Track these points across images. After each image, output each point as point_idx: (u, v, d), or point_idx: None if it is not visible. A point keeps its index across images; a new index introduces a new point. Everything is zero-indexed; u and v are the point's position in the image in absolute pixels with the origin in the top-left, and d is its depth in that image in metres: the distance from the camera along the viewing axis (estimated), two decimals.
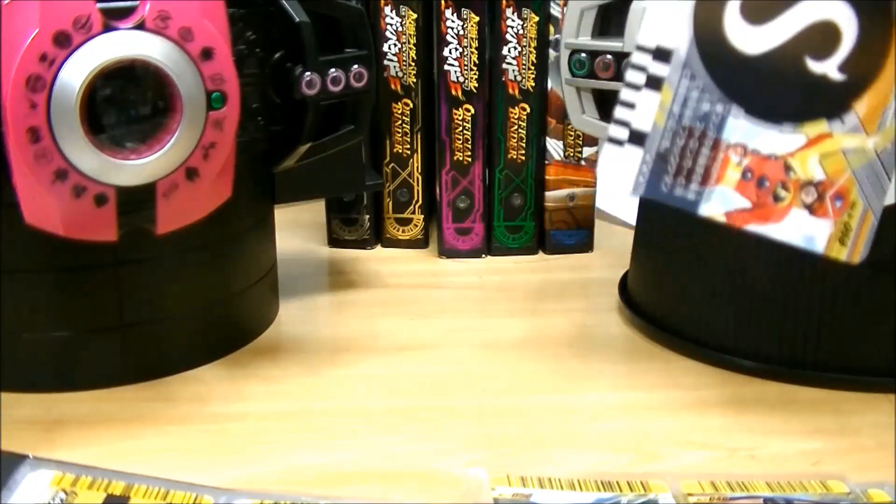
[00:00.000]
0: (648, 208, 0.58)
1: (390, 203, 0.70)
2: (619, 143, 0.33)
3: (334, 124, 0.54)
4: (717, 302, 0.52)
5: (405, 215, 0.70)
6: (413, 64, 0.67)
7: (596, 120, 0.53)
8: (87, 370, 0.50)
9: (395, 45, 0.66)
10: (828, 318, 0.49)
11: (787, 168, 0.33)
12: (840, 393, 0.49)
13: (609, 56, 0.50)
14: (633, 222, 0.60)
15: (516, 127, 0.67)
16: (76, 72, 0.42)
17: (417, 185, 0.69)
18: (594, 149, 0.69)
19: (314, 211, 0.74)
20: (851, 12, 0.31)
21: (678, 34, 0.32)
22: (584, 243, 0.70)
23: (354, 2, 0.55)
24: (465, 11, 0.65)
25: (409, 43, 0.67)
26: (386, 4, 0.66)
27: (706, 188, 0.33)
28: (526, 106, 0.67)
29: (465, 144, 0.67)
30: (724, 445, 0.45)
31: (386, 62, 0.67)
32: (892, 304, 0.48)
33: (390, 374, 0.52)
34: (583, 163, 0.69)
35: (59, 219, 0.44)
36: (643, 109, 0.33)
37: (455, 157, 0.67)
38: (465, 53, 0.66)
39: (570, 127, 0.67)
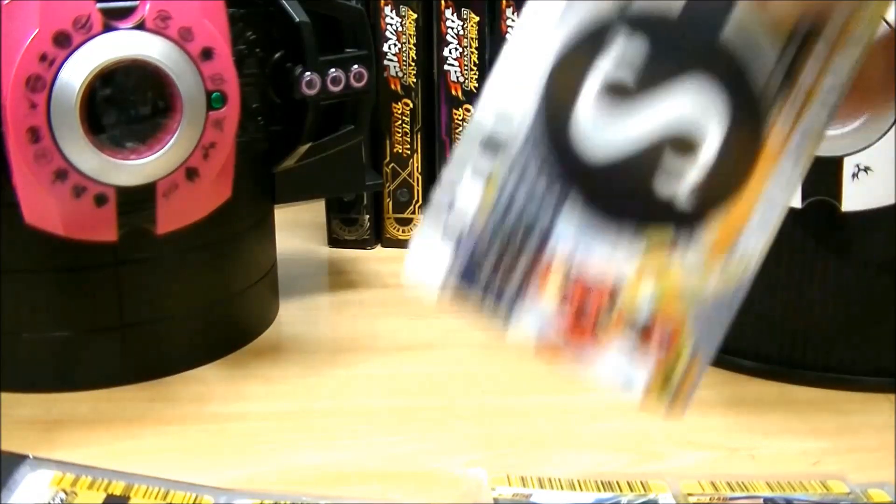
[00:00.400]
0: None
1: (390, 203, 0.70)
2: (430, 239, 0.29)
3: (334, 124, 0.54)
4: None
5: (405, 215, 0.70)
6: (413, 64, 0.67)
7: None
8: (87, 370, 0.49)
9: (395, 45, 0.66)
10: (828, 318, 0.49)
11: (613, 297, 0.28)
12: (840, 393, 0.49)
13: None
14: None
15: None
16: (76, 72, 0.42)
17: (417, 185, 0.69)
18: None
19: (314, 211, 0.74)
20: (716, 126, 0.27)
21: (519, 124, 0.28)
22: None
23: (354, 2, 0.55)
24: (465, 11, 0.65)
25: (409, 43, 0.67)
26: (386, 4, 0.66)
27: (518, 302, 0.28)
28: None
29: None
30: (724, 445, 0.45)
31: (386, 62, 0.67)
32: (892, 304, 0.48)
33: (390, 374, 0.52)
34: None
35: (59, 219, 0.44)
36: (462, 206, 0.28)
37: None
38: (465, 53, 0.66)
39: None
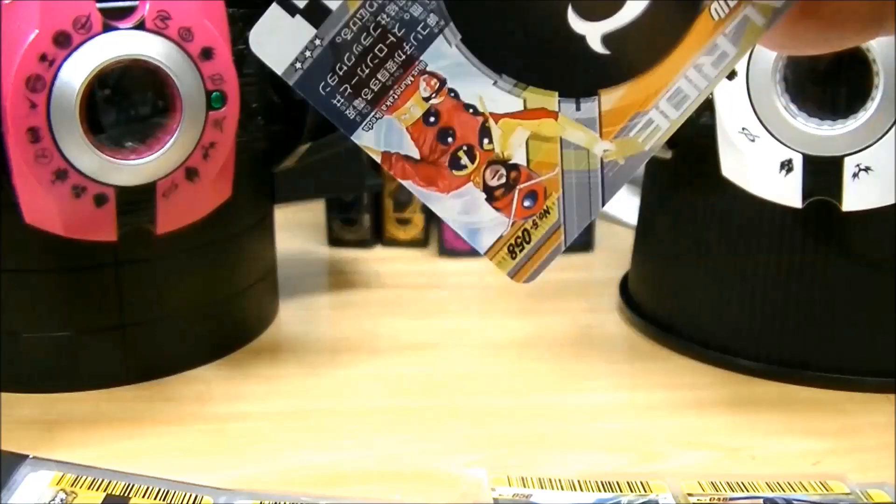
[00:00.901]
0: (649, 208, 0.58)
1: (390, 203, 0.70)
2: (291, 8, 0.24)
3: (334, 124, 0.54)
4: (717, 302, 0.52)
5: (405, 215, 0.70)
6: None
7: None
8: (87, 370, 0.49)
9: None
10: (828, 318, 0.49)
11: (484, 131, 0.25)
12: (840, 393, 0.49)
13: None
14: (634, 222, 0.60)
15: None
16: (76, 72, 0.42)
17: None
18: None
19: (314, 211, 0.74)
20: None
21: None
22: (584, 243, 0.70)
23: None
24: None
25: None
26: None
27: (373, 112, 0.25)
28: None
29: None
30: (724, 445, 0.45)
31: None
32: (892, 304, 0.48)
33: (390, 374, 0.52)
34: None
35: (59, 219, 0.44)
36: None
37: None
38: None
39: None
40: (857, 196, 0.44)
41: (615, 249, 0.68)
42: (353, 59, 0.25)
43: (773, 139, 0.45)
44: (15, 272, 0.48)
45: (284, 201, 0.57)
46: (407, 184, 0.25)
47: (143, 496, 0.39)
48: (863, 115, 0.44)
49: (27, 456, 0.40)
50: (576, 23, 0.24)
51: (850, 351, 0.49)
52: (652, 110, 0.24)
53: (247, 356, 0.54)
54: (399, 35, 0.24)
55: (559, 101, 0.24)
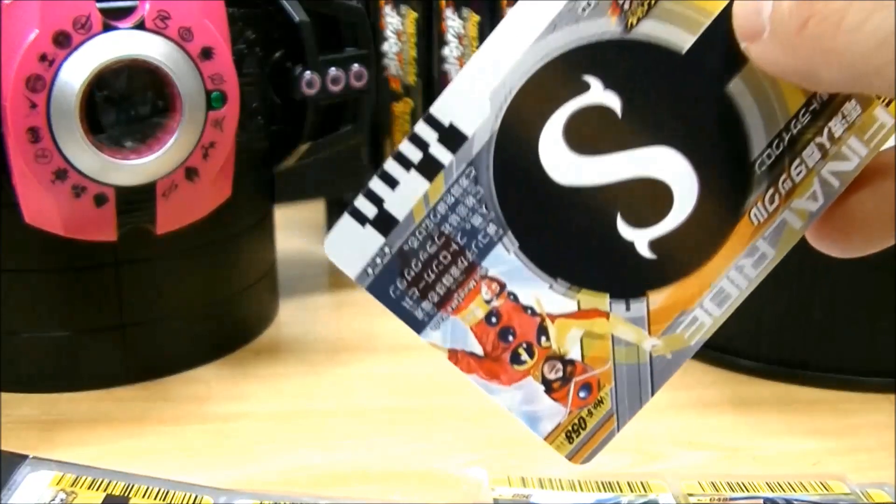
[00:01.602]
0: None
1: None
2: (361, 219, 0.27)
3: (334, 124, 0.54)
4: None
5: None
6: (413, 64, 0.67)
7: None
8: (87, 370, 0.49)
9: (396, 44, 0.66)
10: (828, 318, 0.49)
11: (542, 330, 0.27)
12: (840, 393, 0.49)
13: None
14: None
15: None
16: (76, 72, 0.42)
17: None
18: None
19: (314, 211, 0.74)
20: (696, 187, 0.25)
21: (481, 120, 0.25)
22: None
23: (354, 1, 0.55)
24: (465, 11, 0.65)
25: (409, 42, 0.66)
26: (386, 3, 0.66)
27: (440, 313, 0.27)
28: None
29: None
30: (724, 445, 0.45)
31: (386, 62, 0.67)
32: (892, 304, 0.48)
33: (390, 374, 0.52)
34: None
35: (59, 219, 0.44)
36: (404, 193, 0.26)
37: None
38: (466, 53, 0.66)
39: None
40: None
41: None
42: (420, 265, 0.27)
43: None
44: (15, 272, 0.48)
45: (284, 201, 0.57)
46: (472, 378, 0.28)
47: (143, 496, 0.39)
48: None
49: (27, 456, 0.40)
50: (624, 230, 0.25)
51: (850, 351, 0.49)
52: (696, 309, 0.27)
53: (247, 356, 0.54)
54: (461, 243, 0.26)
55: (610, 303, 0.26)
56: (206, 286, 0.52)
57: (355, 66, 0.53)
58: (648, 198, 0.25)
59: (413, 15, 0.66)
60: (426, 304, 0.28)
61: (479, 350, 0.27)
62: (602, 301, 0.26)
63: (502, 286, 0.26)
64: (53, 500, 0.38)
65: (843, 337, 0.49)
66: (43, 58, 0.42)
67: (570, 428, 0.27)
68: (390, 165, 0.26)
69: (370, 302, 0.64)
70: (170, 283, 0.51)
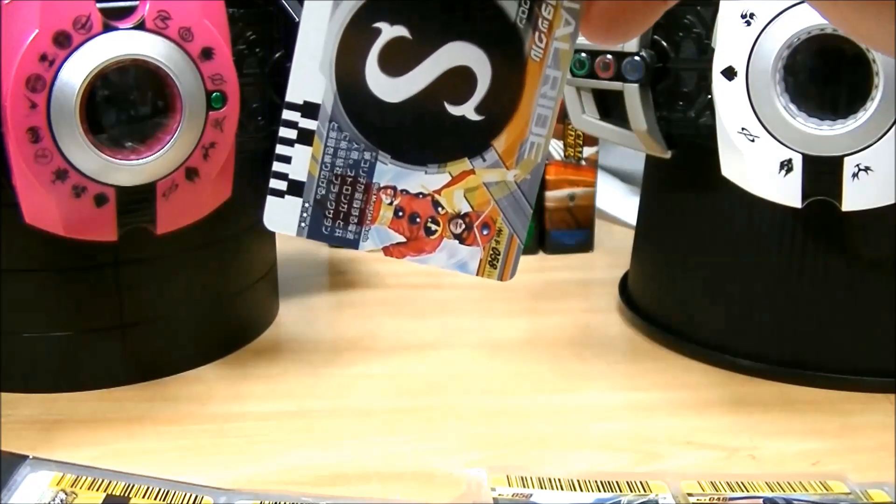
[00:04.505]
0: (649, 208, 0.58)
1: None
2: (279, 194, 0.36)
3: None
4: (717, 302, 0.52)
5: None
6: None
7: (596, 120, 0.53)
8: (87, 370, 0.50)
9: None
10: (828, 318, 0.49)
11: (436, 204, 0.35)
12: (840, 393, 0.49)
13: (609, 56, 0.50)
14: (633, 222, 0.60)
15: None
16: (76, 72, 0.42)
17: None
18: (594, 149, 0.69)
19: None
20: (485, 57, 0.34)
21: (323, 89, 0.35)
22: (584, 243, 0.70)
23: None
24: None
25: None
26: None
27: (363, 227, 0.35)
28: None
29: None
30: (724, 445, 0.45)
31: None
32: (892, 304, 0.48)
33: (390, 374, 0.52)
34: (583, 163, 0.69)
35: (59, 219, 0.44)
36: (298, 162, 0.35)
37: None
38: None
39: (570, 127, 0.67)
40: (856, 196, 0.44)
41: (615, 249, 0.69)
42: (334, 203, 0.35)
43: (772, 139, 0.45)
44: (15, 272, 0.48)
45: None
46: (407, 259, 0.35)
47: (143, 496, 0.39)
48: (862, 115, 0.44)
49: (27, 456, 0.40)
50: (453, 110, 0.34)
51: (850, 351, 0.49)
52: (529, 136, 0.35)
53: (247, 356, 0.54)
54: (353, 175, 0.35)
55: (470, 162, 0.34)
56: (207, 286, 0.53)
57: None
58: (459, 80, 0.34)
59: None
60: (351, 227, 0.35)
61: (401, 238, 0.35)
62: (465, 164, 0.34)
63: (394, 188, 0.35)
64: (53, 500, 0.38)
65: (843, 337, 0.49)
66: (43, 58, 0.42)
67: (489, 259, 0.35)
68: (280, 149, 0.35)
69: (370, 302, 0.64)
70: (170, 283, 0.51)
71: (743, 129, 0.46)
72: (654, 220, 0.57)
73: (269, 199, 0.35)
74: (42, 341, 0.49)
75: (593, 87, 0.52)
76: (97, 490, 0.39)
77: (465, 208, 0.35)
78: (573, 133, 0.68)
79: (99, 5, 0.42)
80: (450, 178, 0.35)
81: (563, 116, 0.67)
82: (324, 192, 0.35)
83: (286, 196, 0.36)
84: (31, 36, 0.41)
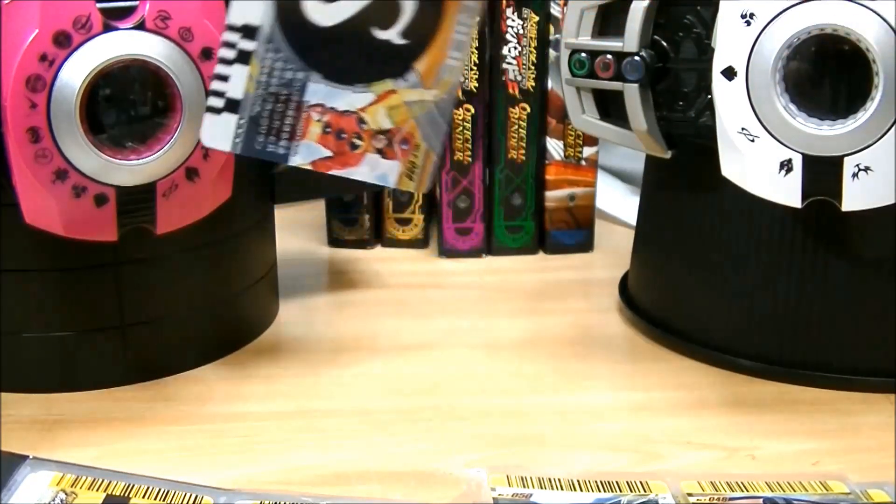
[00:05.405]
0: (649, 208, 0.58)
1: (390, 203, 0.70)
2: (216, 111, 0.39)
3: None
4: (717, 302, 0.52)
5: (405, 215, 0.70)
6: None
7: (596, 120, 0.53)
8: (87, 370, 0.50)
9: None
10: (828, 318, 0.49)
11: (361, 121, 0.39)
12: (840, 393, 0.49)
13: (609, 56, 0.50)
14: (633, 222, 0.60)
15: (516, 127, 0.67)
16: (76, 72, 0.42)
17: None
18: (594, 149, 0.69)
19: (314, 211, 0.74)
20: None
21: (263, 13, 0.38)
22: (584, 243, 0.70)
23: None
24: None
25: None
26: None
27: (293, 143, 0.38)
28: (526, 106, 0.67)
29: (466, 144, 0.67)
30: (724, 445, 0.45)
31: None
32: (892, 304, 0.48)
33: (390, 374, 0.52)
34: (583, 163, 0.68)
35: (59, 219, 0.44)
36: (235, 81, 0.39)
37: (455, 157, 0.67)
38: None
39: (570, 127, 0.67)
40: (856, 196, 0.44)
41: (615, 249, 0.68)
42: (267, 120, 0.38)
43: (772, 139, 0.45)
44: (15, 272, 0.48)
45: (284, 201, 0.57)
46: (333, 172, 0.39)
47: (143, 496, 0.39)
48: (862, 115, 0.44)
49: (27, 456, 0.40)
50: (380, 34, 0.37)
51: (850, 351, 0.49)
52: (447, 60, 0.38)
53: (247, 356, 0.54)
54: (286, 93, 0.38)
55: (393, 82, 0.38)
56: (207, 286, 0.53)
57: None
58: (385, 8, 0.37)
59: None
60: (282, 142, 0.38)
61: (328, 153, 0.38)
62: (387, 84, 0.38)
63: (323, 106, 0.38)
64: (53, 500, 0.38)
65: (843, 337, 0.49)
66: (43, 58, 0.42)
67: (407, 172, 0.39)
68: (219, 69, 0.38)
69: (370, 302, 0.64)
70: (170, 283, 0.51)
71: (743, 129, 0.46)
72: (654, 220, 0.57)
73: (206, 115, 0.39)
74: (42, 341, 0.49)
75: (593, 87, 0.52)
76: (97, 490, 0.39)
77: (387, 125, 0.39)
78: (573, 133, 0.68)
79: (99, 5, 0.42)
80: (374, 98, 0.38)
81: (563, 116, 0.67)
82: (258, 109, 0.38)
83: (223, 113, 0.39)
84: (31, 36, 0.41)
